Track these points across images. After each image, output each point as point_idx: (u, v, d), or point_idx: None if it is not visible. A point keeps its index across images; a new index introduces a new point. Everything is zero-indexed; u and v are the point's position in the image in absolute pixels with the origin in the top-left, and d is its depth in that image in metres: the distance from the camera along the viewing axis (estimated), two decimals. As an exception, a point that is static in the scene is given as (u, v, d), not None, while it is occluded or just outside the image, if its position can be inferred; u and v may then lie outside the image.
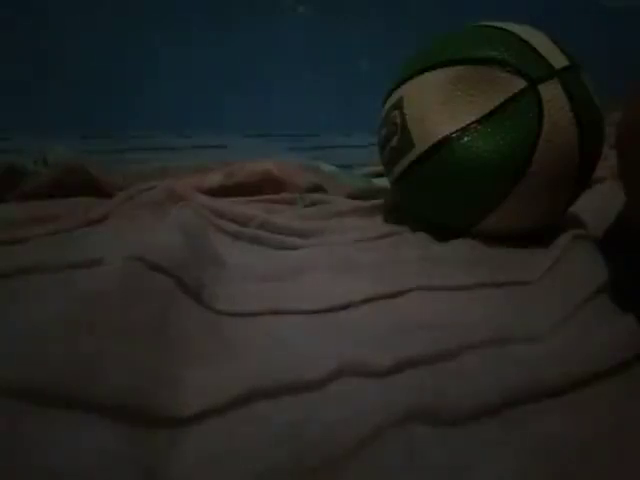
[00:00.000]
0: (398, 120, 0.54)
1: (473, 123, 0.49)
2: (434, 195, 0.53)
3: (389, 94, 0.57)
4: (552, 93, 0.48)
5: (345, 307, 0.37)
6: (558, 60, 0.49)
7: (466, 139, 0.50)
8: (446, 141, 0.50)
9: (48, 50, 1.32)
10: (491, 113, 0.49)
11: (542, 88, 0.48)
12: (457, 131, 0.50)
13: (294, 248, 0.50)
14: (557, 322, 0.34)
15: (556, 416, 0.26)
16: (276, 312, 0.35)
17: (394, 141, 0.55)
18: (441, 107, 0.51)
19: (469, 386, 0.27)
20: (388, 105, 0.57)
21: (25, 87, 1.31)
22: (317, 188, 0.70)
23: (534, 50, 0.49)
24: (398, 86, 0.55)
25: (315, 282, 0.41)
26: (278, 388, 0.26)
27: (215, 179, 0.69)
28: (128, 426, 0.23)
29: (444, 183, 0.51)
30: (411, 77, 0.54)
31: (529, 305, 0.38)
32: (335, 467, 0.22)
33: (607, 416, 0.26)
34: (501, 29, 0.52)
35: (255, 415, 0.25)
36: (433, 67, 0.52)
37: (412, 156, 0.53)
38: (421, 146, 0.52)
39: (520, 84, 0.48)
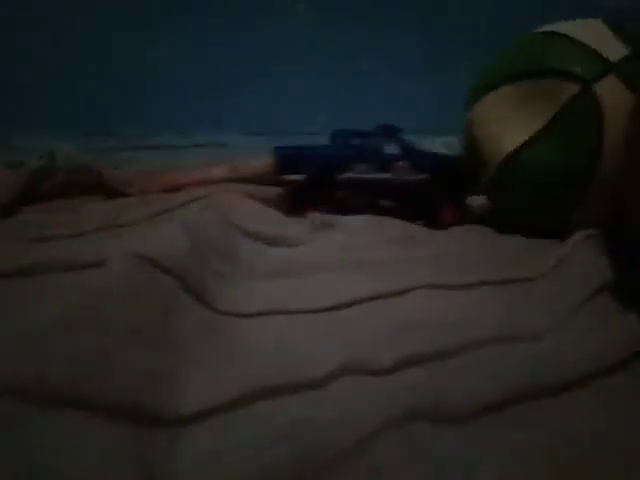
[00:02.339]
0: (470, 140, 0.57)
1: (535, 136, 0.50)
2: (517, 205, 0.55)
3: (467, 109, 0.59)
4: (610, 90, 0.47)
5: (348, 305, 0.37)
6: (615, 51, 0.48)
7: (530, 152, 0.51)
8: (512, 157, 0.52)
9: (48, 48, 1.32)
10: (550, 123, 0.50)
11: (598, 87, 0.47)
12: (521, 146, 0.51)
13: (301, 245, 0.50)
14: (558, 320, 0.34)
15: (556, 414, 0.26)
16: (279, 312, 0.35)
17: (472, 157, 0.58)
18: (504, 124, 0.53)
19: (470, 384, 0.27)
20: (465, 124, 0.59)
21: (25, 85, 1.31)
22: None
23: (585, 47, 0.49)
24: (470, 107, 0.58)
25: (320, 280, 0.41)
26: (279, 387, 0.26)
27: (220, 173, 0.69)
28: (129, 426, 0.22)
29: (522, 195, 0.53)
30: (479, 98, 0.56)
31: (531, 303, 0.38)
32: (336, 466, 0.22)
33: (608, 414, 0.26)
34: (551, 33, 0.52)
35: (255, 414, 0.25)
36: (494, 87, 0.54)
37: (487, 174, 0.55)
38: (492, 164, 0.54)
39: (573, 89, 0.48)
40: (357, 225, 0.56)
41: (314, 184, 0.60)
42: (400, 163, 0.60)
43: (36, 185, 0.63)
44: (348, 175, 0.60)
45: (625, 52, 0.48)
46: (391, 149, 0.61)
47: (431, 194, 0.60)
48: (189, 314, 0.32)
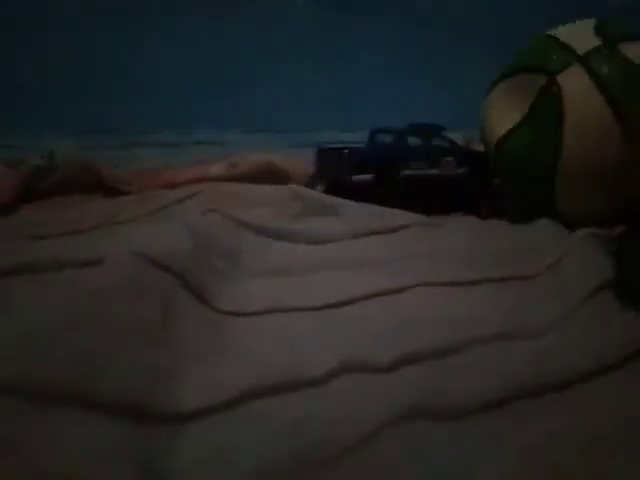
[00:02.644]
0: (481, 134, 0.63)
1: (517, 124, 0.55)
2: (510, 190, 0.60)
3: None
4: (572, 79, 0.50)
5: (348, 303, 0.37)
6: (586, 43, 0.51)
7: (513, 139, 0.56)
8: (501, 143, 0.57)
9: (49, 48, 1.32)
10: (528, 113, 0.54)
11: (561, 78, 0.50)
12: (507, 133, 0.56)
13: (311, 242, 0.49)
14: (559, 318, 0.34)
15: (556, 411, 0.26)
16: (279, 310, 0.35)
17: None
18: (497, 116, 0.58)
19: (470, 382, 0.27)
20: None
21: (27, 84, 1.31)
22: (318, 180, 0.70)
23: (560, 44, 0.52)
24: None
25: (320, 278, 0.41)
26: (279, 385, 0.26)
27: (217, 170, 0.69)
28: (128, 423, 0.22)
29: (510, 180, 0.59)
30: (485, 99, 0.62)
31: (533, 301, 0.37)
32: (335, 464, 0.22)
33: (607, 411, 0.26)
34: (540, 36, 0.57)
35: (255, 412, 0.25)
36: (493, 87, 0.60)
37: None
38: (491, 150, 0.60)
39: (541, 80, 0.52)
40: (359, 214, 0.55)
41: (379, 182, 0.62)
42: (447, 159, 0.63)
43: (36, 183, 0.64)
44: (408, 172, 0.62)
45: (597, 43, 0.51)
46: (440, 146, 0.65)
47: (471, 187, 0.63)
48: (189, 313, 0.32)
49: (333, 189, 0.61)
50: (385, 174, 0.62)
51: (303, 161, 0.76)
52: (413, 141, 0.66)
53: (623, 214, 0.51)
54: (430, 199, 0.61)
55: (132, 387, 0.24)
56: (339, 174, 0.63)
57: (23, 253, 0.42)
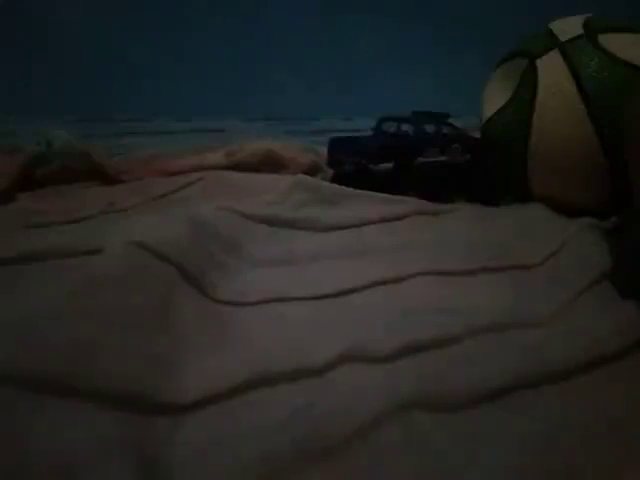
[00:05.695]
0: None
1: (499, 109, 0.56)
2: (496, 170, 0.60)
3: None
4: (549, 63, 0.51)
5: (348, 293, 0.37)
6: (569, 31, 0.51)
7: (493, 123, 0.57)
8: (484, 127, 0.59)
9: (47, 32, 1.31)
10: (510, 98, 0.55)
11: (540, 62, 0.51)
12: (490, 117, 0.58)
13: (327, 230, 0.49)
14: (558, 307, 0.34)
15: (557, 401, 0.26)
16: (278, 299, 0.35)
17: None
18: (488, 101, 0.59)
19: (471, 371, 0.27)
20: None
21: (23, 69, 1.30)
22: (318, 168, 0.70)
23: (549, 31, 0.53)
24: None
25: (321, 268, 0.41)
26: (279, 374, 0.26)
27: (215, 158, 0.69)
28: (128, 412, 0.22)
29: (493, 165, 0.59)
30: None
31: (532, 290, 0.37)
32: (335, 453, 0.22)
33: (607, 401, 0.26)
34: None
35: (256, 401, 0.25)
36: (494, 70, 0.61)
37: None
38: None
39: (524, 64, 0.53)
40: (364, 203, 0.55)
41: (402, 170, 0.62)
42: (455, 145, 0.63)
43: (32, 171, 0.64)
44: (422, 160, 0.62)
45: (579, 32, 0.51)
46: (448, 133, 0.65)
47: (477, 174, 0.63)
48: (188, 302, 0.32)
49: (351, 179, 0.60)
50: (404, 162, 0.61)
51: (302, 149, 0.76)
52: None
53: (610, 207, 0.50)
54: (447, 186, 0.61)
55: (132, 376, 0.24)
56: (359, 164, 0.62)
57: (22, 242, 0.42)
